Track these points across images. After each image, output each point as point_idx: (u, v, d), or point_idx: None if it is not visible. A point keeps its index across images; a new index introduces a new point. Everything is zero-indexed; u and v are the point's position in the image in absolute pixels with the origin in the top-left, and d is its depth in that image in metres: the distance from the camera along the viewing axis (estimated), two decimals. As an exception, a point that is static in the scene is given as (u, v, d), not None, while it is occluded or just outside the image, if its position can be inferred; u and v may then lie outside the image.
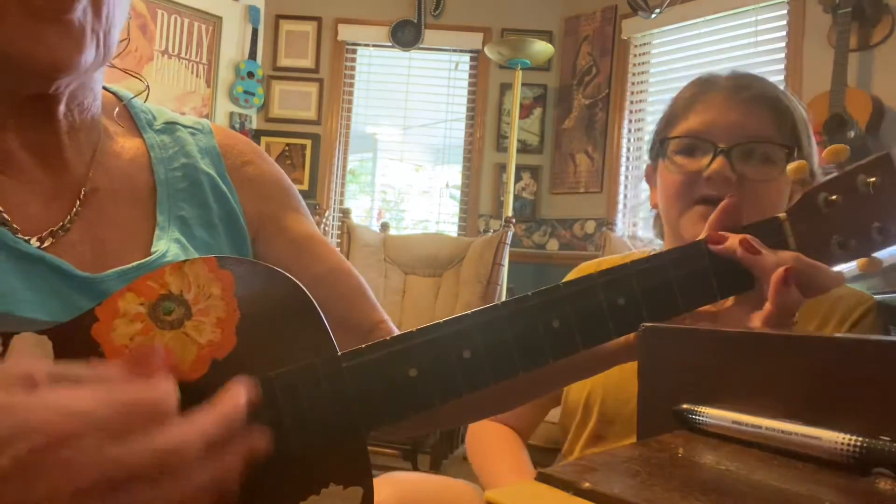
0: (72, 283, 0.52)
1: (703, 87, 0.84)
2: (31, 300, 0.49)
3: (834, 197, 0.55)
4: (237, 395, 0.41)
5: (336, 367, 0.49)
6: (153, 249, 0.57)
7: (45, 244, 0.53)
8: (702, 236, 0.56)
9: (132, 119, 0.65)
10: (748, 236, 0.54)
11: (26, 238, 0.52)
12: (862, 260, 0.55)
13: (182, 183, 0.63)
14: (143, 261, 0.56)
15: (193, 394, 0.47)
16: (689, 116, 0.83)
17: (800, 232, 0.56)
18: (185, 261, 0.48)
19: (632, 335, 0.60)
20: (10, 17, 0.47)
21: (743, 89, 0.82)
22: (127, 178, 0.60)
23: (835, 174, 0.56)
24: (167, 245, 0.58)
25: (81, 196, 0.56)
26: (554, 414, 1.02)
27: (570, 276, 0.99)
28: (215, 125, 0.70)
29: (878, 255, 0.55)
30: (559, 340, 0.52)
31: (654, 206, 0.92)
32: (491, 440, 0.97)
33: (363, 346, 0.50)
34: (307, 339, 0.49)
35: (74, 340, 0.45)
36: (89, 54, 0.51)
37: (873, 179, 0.53)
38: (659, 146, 0.86)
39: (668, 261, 0.55)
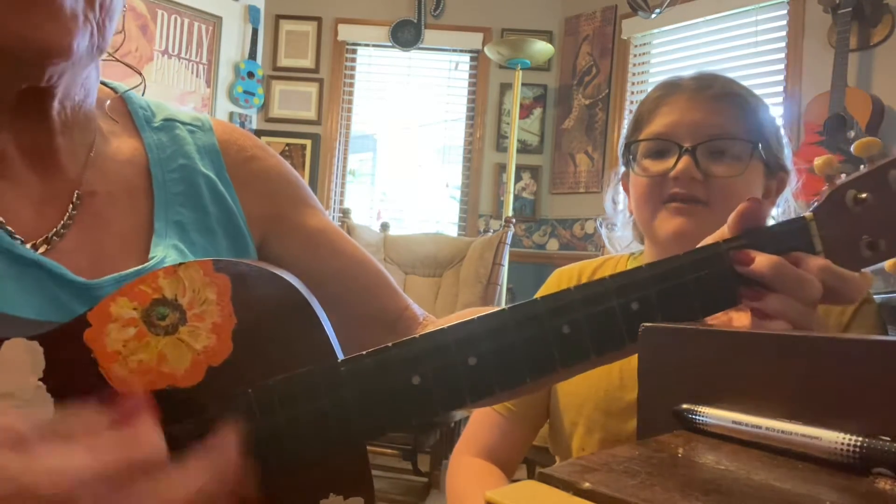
0: (68, 289, 0.51)
1: (666, 90, 0.85)
2: (27, 304, 0.49)
3: (864, 195, 0.51)
4: (229, 447, 0.41)
5: (335, 373, 0.47)
6: (150, 255, 0.56)
7: (41, 249, 0.52)
8: (724, 237, 0.53)
9: (130, 116, 0.63)
10: (778, 264, 0.49)
11: (22, 241, 0.51)
12: (892, 261, 0.52)
13: (179, 186, 0.61)
14: (139, 267, 0.54)
15: (189, 402, 0.46)
16: (654, 119, 0.84)
17: (827, 233, 0.52)
18: (179, 264, 0.47)
19: None
20: None
21: (705, 88, 0.82)
22: (123, 180, 0.59)
23: (865, 170, 0.52)
24: (165, 251, 0.56)
25: (74, 199, 0.55)
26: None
27: (549, 281, 0.98)
28: (216, 120, 0.67)
29: None
30: (569, 347, 0.50)
31: (632, 211, 0.92)
32: (467, 478, 0.92)
33: (363, 352, 0.48)
34: (306, 344, 0.48)
35: (66, 346, 0.44)
36: (82, 40, 0.48)
37: None
38: (627, 151, 0.87)
39: (686, 264, 0.51)
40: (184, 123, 0.65)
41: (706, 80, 0.84)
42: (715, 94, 0.81)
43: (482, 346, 0.49)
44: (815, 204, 0.53)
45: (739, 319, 0.55)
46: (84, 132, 0.57)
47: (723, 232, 0.54)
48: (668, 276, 0.51)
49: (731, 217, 0.54)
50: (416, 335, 0.49)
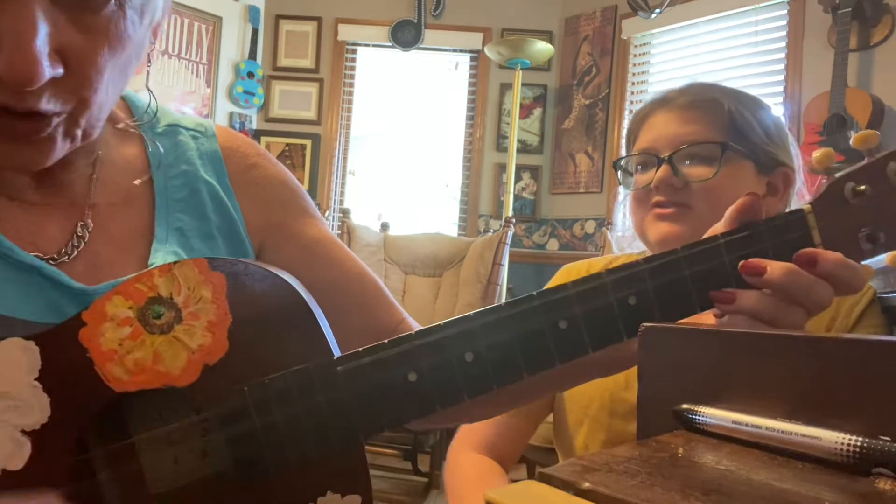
0: (67, 295, 0.50)
1: (651, 107, 0.90)
2: (26, 308, 0.48)
3: (862, 187, 0.51)
4: None
5: (331, 371, 0.47)
6: (150, 262, 0.56)
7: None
8: (720, 230, 0.53)
9: (133, 119, 0.62)
10: (792, 272, 0.48)
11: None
12: (892, 253, 0.51)
13: (181, 192, 0.60)
14: (138, 273, 0.54)
15: (184, 401, 0.46)
16: (640, 136, 0.90)
17: (825, 225, 0.51)
18: (174, 262, 0.46)
19: None
20: None
21: (678, 99, 0.87)
22: (125, 187, 0.59)
23: (864, 162, 0.52)
24: (164, 258, 0.56)
25: (85, 219, 0.55)
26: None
27: (556, 277, 0.98)
28: (219, 127, 0.67)
29: None
30: (566, 342, 0.49)
31: None
32: (467, 475, 0.92)
33: (360, 349, 0.48)
34: (302, 342, 0.48)
35: (62, 346, 0.44)
36: (60, 152, 0.49)
37: None
38: (620, 168, 0.94)
39: (683, 258, 0.51)
40: (187, 129, 0.64)
41: (683, 91, 0.89)
42: (686, 102, 0.86)
43: (478, 341, 0.48)
44: (814, 196, 0.53)
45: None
46: (86, 152, 0.57)
47: (719, 226, 0.54)
48: (666, 269, 0.50)
49: (729, 211, 0.53)
50: (412, 332, 0.49)
